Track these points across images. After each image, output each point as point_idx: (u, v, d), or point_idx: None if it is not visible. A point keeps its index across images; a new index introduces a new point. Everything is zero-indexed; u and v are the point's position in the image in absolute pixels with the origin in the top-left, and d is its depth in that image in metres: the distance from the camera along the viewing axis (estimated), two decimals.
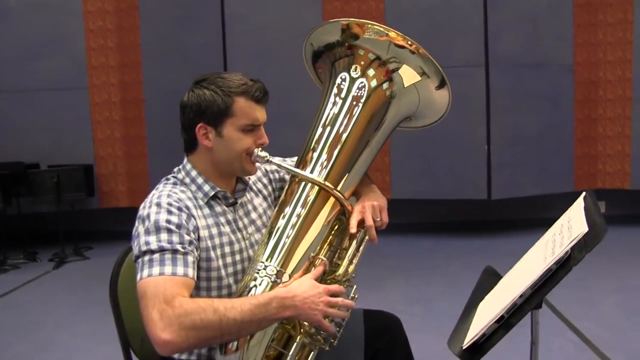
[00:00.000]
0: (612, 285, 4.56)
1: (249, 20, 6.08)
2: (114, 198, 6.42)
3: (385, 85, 1.81)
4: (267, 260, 1.67)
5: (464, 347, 1.28)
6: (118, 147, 6.35)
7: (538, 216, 6.46)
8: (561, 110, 6.10)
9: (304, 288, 1.57)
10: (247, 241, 1.77)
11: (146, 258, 1.55)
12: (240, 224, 1.78)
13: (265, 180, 1.94)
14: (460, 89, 5.59)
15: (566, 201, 6.33)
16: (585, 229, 1.25)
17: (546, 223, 6.93)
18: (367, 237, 1.80)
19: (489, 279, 1.61)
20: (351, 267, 1.77)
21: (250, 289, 1.63)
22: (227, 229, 1.73)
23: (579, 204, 1.42)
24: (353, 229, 1.74)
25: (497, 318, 1.25)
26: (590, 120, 6.22)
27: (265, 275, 1.64)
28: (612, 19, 6.07)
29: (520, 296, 1.27)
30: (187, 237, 1.59)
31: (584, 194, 1.54)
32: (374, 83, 1.81)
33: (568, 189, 6.22)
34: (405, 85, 1.82)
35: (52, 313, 4.40)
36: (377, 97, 1.81)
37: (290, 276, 1.65)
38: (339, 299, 1.61)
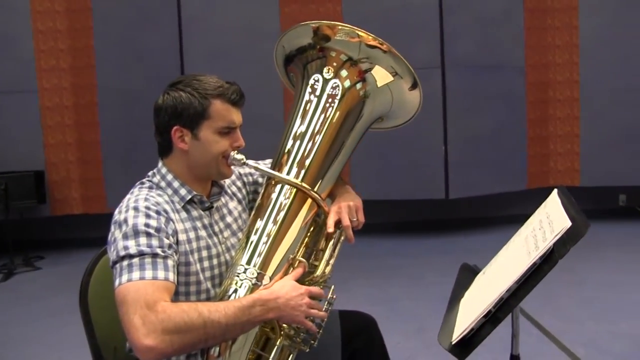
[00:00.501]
0: (566, 278, 4.68)
1: (206, 22, 6.03)
2: (67, 205, 6.25)
3: (358, 85, 1.82)
4: (246, 263, 1.66)
5: (453, 342, 1.29)
6: (71, 153, 6.19)
7: (495, 214, 6.62)
8: (515, 110, 6.25)
9: (286, 289, 1.57)
10: (223, 245, 1.76)
11: (125, 263, 1.52)
12: (216, 228, 1.77)
13: (239, 184, 1.93)
14: None
15: (521, 199, 6.60)
16: (568, 223, 1.29)
17: (503, 220, 7.21)
18: (342, 238, 1.81)
19: (467, 276, 1.64)
20: (328, 268, 1.78)
21: (232, 292, 1.62)
22: (203, 233, 1.71)
23: (554, 200, 1.46)
24: (330, 228, 1.75)
25: (484, 313, 1.27)
26: (542, 120, 6.40)
27: (246, 278, 1.64)
28: (560, 23, 6.26)
29: (507, 291, 1.29)
30: (166, 241, 1.57)
31: (555, 190, 1.58)
32: (347, 83, 1.82)
33: (522, 187, 6.38)
34: (379, 85, 1.84)
35: (1, 327, 4.22)
36: (352, 96, 1.82)
37: (270, 278, 1.65)
38: (316, 302, 1.62)
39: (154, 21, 6.02)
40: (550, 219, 1.37)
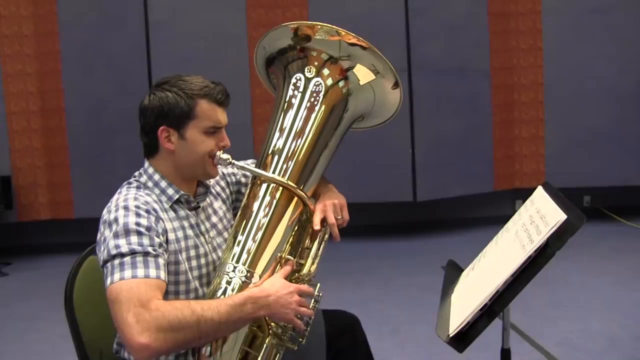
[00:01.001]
0: (537, 280, 4.78)
1: (173, 27, 6.01)
2: (34, 211, 6.16)
3: (341, 83, 1.85)
4: (236, 262, 1.68)
5: (450, 335, 1.33)
6: (38, 158, 6.11)
7: (462, 216, 6.72)
8: (480, 113, 6.35)
9: (277, 287, 1.60)
10: (209, 245, 1.78)
11: (116, 262, 1.53)
12: (203, 228, 1.78)
13: (222, 184, 1.95)
14: None
15: (488, 201, 6.72)
16: (563, 217, 1.33)
17: (470, 222, 7.34)
18: (327, 236, 1.84)
19: (454, 272, 1.68)
20: (314, 267, 1.82)
21: (222, 290, 1.64)
22: (191, 232, 1.73)
23: (542, 195, 1.51)
24: (317, 226, 1.78)
25: (480, 307, 1.31)
26: (507, 122, 6.52)
27: (235, 277, 1.66)
28: (524, 27, 6.39)
29: (503, 284, 1.33)
30: (157, 240, 1.59)
31: (540, 187, 1.63)
32: (329, 81, 1.84)
33: (488, 189, 6.48)
34: (361, 84, 1.87)
35: None
36: (335, 94, 1.85)
37: (260, 276, 1.67)
38: (305, 300, 1.65)
39: (120, 26, 5.98)
40: (541, 214, 1.42)
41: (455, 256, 5.70)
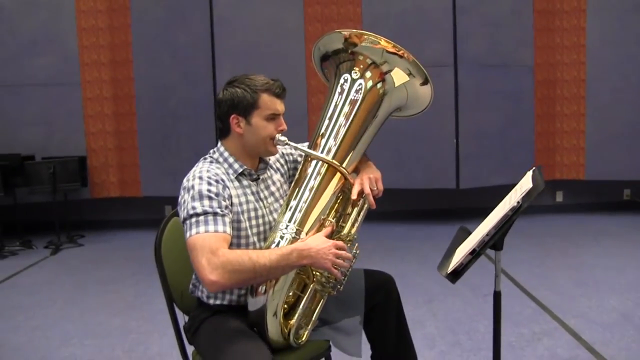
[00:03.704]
0: (566, 262, 5.13)
1: (235, 22, 6.47)
2: (105, 189, 6.77)
3: (379, 85, 2.27)
4: (288, 221, 2.11)
5: (448, 272, 1.76)
6: (109, 140, 6.70)
7: None
8: (523, 107, 6.64)
9: (317, 242, 2.01)
10: (267, 209, 2.21)
11: (193, 220, 1.97)
12: (262, 195, 2.22)
13: (282, 161, 2.39)
14: None
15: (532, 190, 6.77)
16: (530, 185, 1.74)
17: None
18: (366, 205, 2.26)
19: (463, 234, 2.08)
20: (353, 229, 2.22)
21: (276, 243, 2.08)
22: (252, 198, 2.17)
23: (528, 175, 1.91)
24: (354, 196, 2.20)
25: (470, 251, 1.73)
26: (549, 116, 6.78)
27: (287, 233, 2.09)
28: (568, 24, 6.65)
29: (487, 234, 1.75)
30: (223, 203, 2.03)
31: (533, 168, 2.02)
32: (369, 84, 2.26)
33: None
34: (396, 85, 2.28)
35: (58, 292, 4.79)
36: (372, 95, 2.26)
37: (306, 234, 2.10)
38: (344, 252, 2.04)
39: (187, 20, 6.49)
40: (521, 186, 1.83)
41: None
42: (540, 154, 6.83)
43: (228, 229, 2.00)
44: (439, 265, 1.96)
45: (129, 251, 5.97)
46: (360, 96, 2.25)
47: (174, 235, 2.34)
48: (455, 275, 1.76)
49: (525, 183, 1.80)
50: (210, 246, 1.91)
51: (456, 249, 1.88)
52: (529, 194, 1.73)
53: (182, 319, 2.29)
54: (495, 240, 1.76)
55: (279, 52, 6.41)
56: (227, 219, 2.01)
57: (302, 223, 2.11)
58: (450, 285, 4.52)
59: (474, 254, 1.75)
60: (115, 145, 6.72)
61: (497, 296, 1.92)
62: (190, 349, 2.26)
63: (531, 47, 6.59)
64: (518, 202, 1.73)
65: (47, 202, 6.32)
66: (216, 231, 1.96)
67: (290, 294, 2.13)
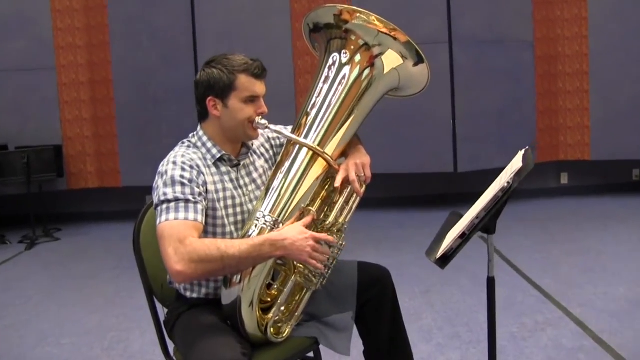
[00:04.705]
0: (571, 247, 5.13)
1: (217, 0, 6.44)
2: (82, 179, 6.76)
3: (366, 72, 2.23)
4: (265, 210, 2.10)
5: (437, 257, 1.76)
6: (86, 128, 6.68)
7: None
8: (523, 84, 6.63)
9: (293, 233, 1.98)
10: (246, 197, 2.20)
11: (164, 206, 1.98)
12: (242, 182, 2.21)
13: (267, 146, 2.37)
14: None
15: (530, 173, 6.97)
16: (520, 164, 1.74)
17: (512, 194, 7.56)
18: (354, 194, 2.24)
19: (455, 218, 2.08)
20: (341, 219, 2.20)
21: (251, 233, 2.06)
22: (230, 185, 2.16)
23: (520, 154, 1.91)
24: (337, 183, 2.18)
25: (460, 234, 1.73)
26: (551, 93, 6.78)
27: (264, 224, 2.08)
28: None
29: (477, 217, 1.75)
30: (196, 190, 2.02)
31: (526, 147, 2.02)
32: (357, 69, 2.22)
33: None
34: (386, 70, 2.25)
35: (33, 288, 4.78)
36: (360, 80, 2.24)
37: (283, 224, 2.09)
38: (320, 247, 2.00)
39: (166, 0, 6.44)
40: (512, 166, 1.84)
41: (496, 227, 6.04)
42: (543, 134, 6.83)
43: (200, 217, 1.99)
44: (427, 251, 1.96)
45: (108, 244, 5.95)
46: (347, 81, 2.23)
47: (153, 225, 2.33)
48: (444, 261, 1.77)
49: (516, 163, 1.80)
50: (179, 235, 1.91)
51: (447, 233, 1.89)
52: (518, 174, 1.73)
53: (163, 313, 2.29)
54: (485, 223, 1.76)
55: (264, 32, 6.38)
56: (199, 207, 2.01)
57: (279, 212, 2.09)
58: (447, 275, 4.55)
59: (464, 237, 1.75)
60: (92, 132, 6.69)
61: (490, 282, 1.92)
62: (172, 345, 2.26)
63: (530, 21, 6.57)
64: (508, 183, 1.72)
65: (22, 194, 6.30)
66: (186, 219, 1.96)
67: (275, 288, 2.13)
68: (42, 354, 3.53)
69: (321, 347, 2.27)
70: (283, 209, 2.10)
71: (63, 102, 6.61)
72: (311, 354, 2.37)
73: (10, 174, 6.13)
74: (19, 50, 6.46)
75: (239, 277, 2.01)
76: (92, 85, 6.62)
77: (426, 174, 6.85)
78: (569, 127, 6.84)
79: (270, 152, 2.38)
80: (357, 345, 2.29)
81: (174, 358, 2.24)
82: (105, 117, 6.64)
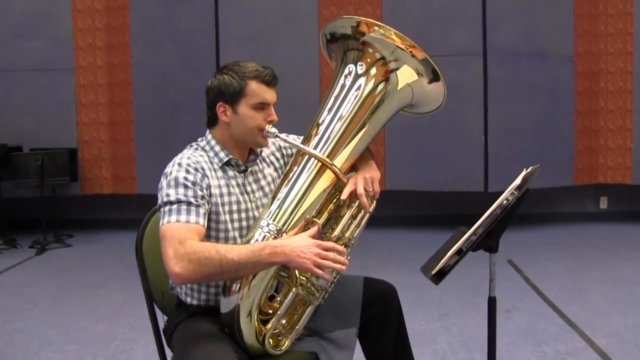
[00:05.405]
0: (603, 276, 5.15)
1: (242, 3, 6.59)
2: (97, 184, 6.93)
3: (381, 86, 2.35)
4: (269, 218, 2.21)
5: (433, 273, 1.84)
6: (103, 132, 6.86)
7: (536, 211, 7.04)
8: (561, 101, 6.65)
9: (295, 240, 2.08)
10: (253, 203, 2.31)
11: (167, 208, 2.10)
12: (249, 188, 2.32)
13: (277, 155, 2.48)
14: (457, 78, 6.16)
15: (566, 196, 7.06)
16: (518, 182, 1.82)
17: (545, 218, 7.70)
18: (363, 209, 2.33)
19: (460, 235, 2.15)
20: (347, 233, 2.29)
21: (254, 241, 2.15)
22: (236, 190, 2.27)
23: (522, 174, 2.00)
24: (344, 196, 2.27)
25: (457, 250, 1.82)
26: (591, 112, 6.78)
27: (268, 232, 2.18)
28: (613, 9, 6.64)
29: (474, 233, 1.83)
30: (199, 193, 2.13)
31: (537, 165, 2.10)
32: (372, 82, 2.33)
33: (568, 182, 6.77)
34: (400, 86, 2.35)
35: (41, 294, 4.95)
36: (373, 95, 2.36)
37: (286, 233, 2.19)
38: (330, 253, 2.07)
39: (189, 2, 6.62)
40: (514, 184, 1.93)
41: (525, 253, 6.10)
42: (581, 154, 6.83)
43: (201, 220, 2.10)
44: (422, 267, 2.04)
45: (120, 254, 6.10)
46: (360, 94, 2.34)
47: (156, 232, 2.45)
48: (440, 277, 1.85)
49: (516, 181, 1.90)
50: (179, 237, 2.02)
51: (448, 251, 1.97)
52: (518, 189, 1.81)
53: (163, 321, 2.40)
54: (487, 241, 1.84)
55: (290, 38, 6.50)
56: (201, 210, 2.12)
57: (284, 222, 2.19)
58: (468, 298, 4.57)
59: (461, 254, 1.83)
60: (109, 137, 6.87)
61: (491, 302, 2.00)
62: (171, 354, 2.37)
63: (571, 35, 6.60)
64: (507, 200, 1.81)
65: (34, 197, 6.49)
66: (187, 221, 2.07)
67: (277, 301, 2.22)
68: None
69: None
70: (288, 218, 2.19)
71: (80, 105, 6.80)
72: None
73: (24, 176, 6.32)
74: (37, 50, 6.68)
75: (238, 285, 2.10)
76: (111, 87, 6.81)
77: (454, 193, 6.88)
78: (610, 149, 6.83)
79: (281, 161, 2.49)
80: None
81: None
82: (123, 121, 6.82)
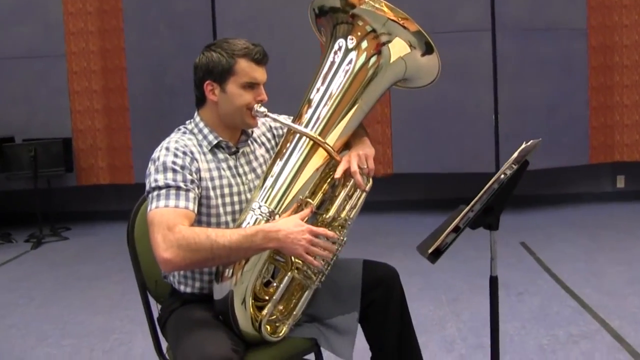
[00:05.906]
0: (619, 256, 5.16)
1: None
2: (93, 175, 6.97)
3: (373, 59, 2.35)
4: (261, 200, 2.23)
5: (430, 252, 1.87)
6: (98, 120, 6.89)
7: (550, 192, 7.03)
8: (574, 77, 6.63)
9: (289, 225, 2.10)
10: (245, 185, 2.33)
11: (155, 193, 2.12)
12: (241, 170, 2.34)
13: (269, 135, 2.50)
14: (466, 55, 6.16)
15: (581, 175, 7.06)
16: (515, 155, 1.84)
17: (559, 199, 7.70)
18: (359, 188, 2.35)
19: (458, 213, 2.17)
20: (343, 214, 2.31)
21: (246, 224, 2.17)
22: (227, 173, 2.29)
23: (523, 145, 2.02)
24: (338, 175, 2.28)
25: (453, 228, 1.83)
26: (605, 87, 6.76)
27: (260, 214, 2.20)
28: None
29: (471, 210, 1.85)
30: (189, 177, 2.15)
31: (539, 139, 2.11)
32: (363, 56, 2.35)
33: (583, 161, 6.76)
34: (392, 59, 2.37)
35: (37, 289, 5.02)
36: (365, 68, 2.36)
37: (279, 215, 2.21)
38: (320, 240, 2.10)
39: None
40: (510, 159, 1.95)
41: (538, 234, 6.11)
42: (596, 132, 6.81)
43: (191, 205, 2.12)
44: (419, 246, 2.06)
45: (118, 245, 6.03)
46: (351, 68, 2.34)
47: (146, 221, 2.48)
48: (436, 255, 1.87)
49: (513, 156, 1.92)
50: (168, 222, 2.04)
51: (445, 230, 1.99)
52: (514, 162, 1.83)
53: (157, 310, 2.43)
54: (479, 217, 1.85)
55: (288, 20, 6.48)
56: (191, 194, 2.14)
57: (276, 203, 2.20)
58: (479, 283, 4.61)
59: (458, 231, 1.85)
60: (104, 125, 6.90)
61: (493, 281, 2.02)
62: (165, 343, 2.40)
63: (583, 7, 6.57)
64: (504, 174, 1.82)
65: (28, 189, 6.54)
66: (176, 206, 2.09)
67: (273, 287, 2.23)
68: (42, 355, 3.72)
69: (323, 350, 2.36)
70: (280, 200, 2.21)
71: (73, 92, 6.82)
72: (312, 357, 2.43)
73: (17, 168, 6.37)
74: (26, 36, 6.69)
75: (230, 270, 2.12)
76: (105, 74, 6.83)
77: (464, 174, 6.87)
78: (626, 125, 6.81)
79: (272, 141, 2.50)
80: (360, 350, 2.37)
81: (167, 356, 2.38)
82: (118, 109, 6.84)
